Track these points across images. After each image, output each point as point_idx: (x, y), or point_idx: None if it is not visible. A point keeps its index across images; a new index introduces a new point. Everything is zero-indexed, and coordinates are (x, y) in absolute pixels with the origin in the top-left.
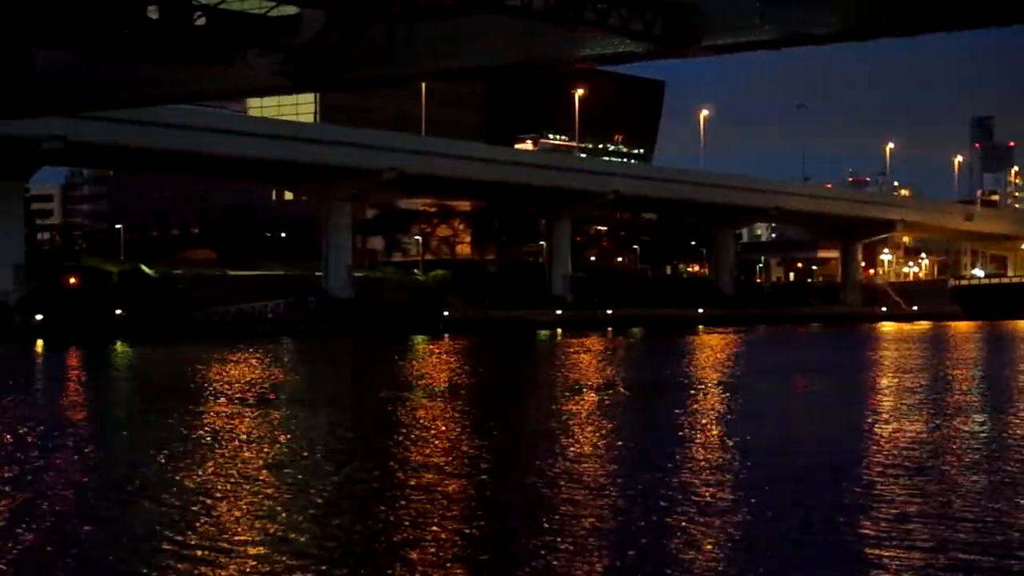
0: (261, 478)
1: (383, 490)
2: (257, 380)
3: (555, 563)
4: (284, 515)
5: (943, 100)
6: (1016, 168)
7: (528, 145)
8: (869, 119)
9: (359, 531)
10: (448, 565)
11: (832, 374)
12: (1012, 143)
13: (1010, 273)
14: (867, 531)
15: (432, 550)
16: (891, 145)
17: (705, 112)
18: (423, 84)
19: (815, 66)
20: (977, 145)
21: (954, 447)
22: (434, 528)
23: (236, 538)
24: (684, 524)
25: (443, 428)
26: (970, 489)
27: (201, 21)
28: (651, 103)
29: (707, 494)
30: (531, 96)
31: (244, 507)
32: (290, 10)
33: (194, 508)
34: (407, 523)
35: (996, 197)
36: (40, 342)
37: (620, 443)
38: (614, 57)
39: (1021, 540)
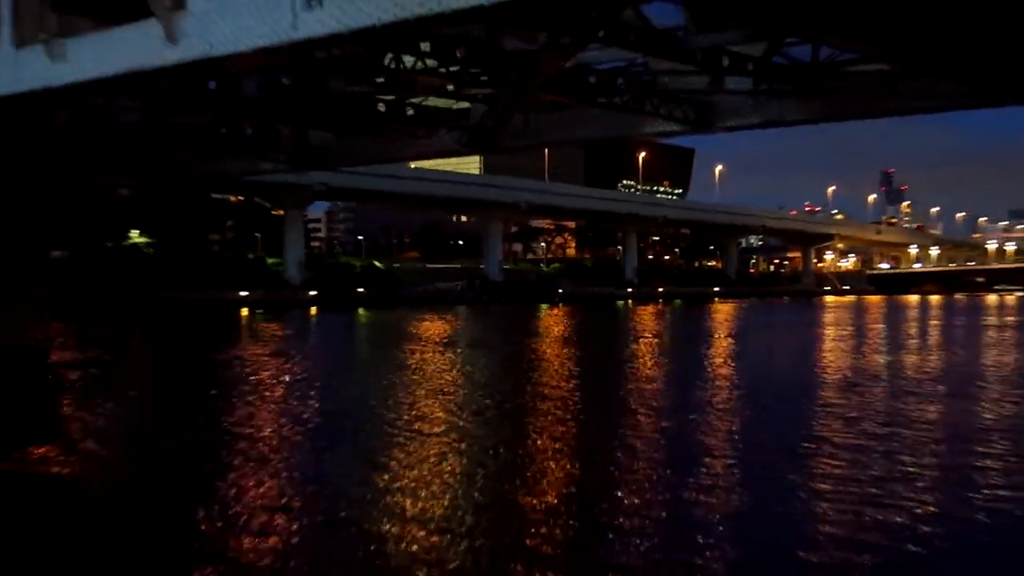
0: (444, 392)
1: (521, 399)
2: (444, 331)
3: (629, 437)
4: (459, 415)
5: (863, 157)
6: (907, 202)
7: None
8: (820, 169)
9: (506, 424)
10: (557, 441)
11: (798, 327)
12: (905, 187)
13: (903, 266)
14: (820, 419)
15: (548, 431)
16: (832, 188)
17: (719, 167)
18: (545, 149)
19: (790, 136)
20: (883, 188)
21: (874, 372)
22: (548, 418)
23: (424, 429)
24: (706, 416)
25: (557, 358)
26: (880, 396)
27: (411, 112)
28: (686, 161)
29: (721, 399)
30: (612, 156)
31: (430, 409)
32: (464, 105)
33: (400, 409)
34: (534, 419)
35: (895, 220)
36: (314, 308)
37: (669, 369)
38: (664, 133)
39: (908, 419)
